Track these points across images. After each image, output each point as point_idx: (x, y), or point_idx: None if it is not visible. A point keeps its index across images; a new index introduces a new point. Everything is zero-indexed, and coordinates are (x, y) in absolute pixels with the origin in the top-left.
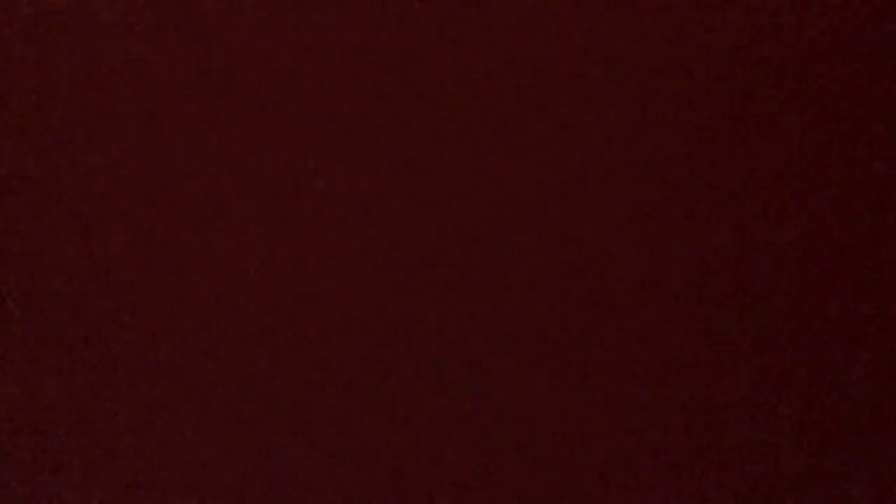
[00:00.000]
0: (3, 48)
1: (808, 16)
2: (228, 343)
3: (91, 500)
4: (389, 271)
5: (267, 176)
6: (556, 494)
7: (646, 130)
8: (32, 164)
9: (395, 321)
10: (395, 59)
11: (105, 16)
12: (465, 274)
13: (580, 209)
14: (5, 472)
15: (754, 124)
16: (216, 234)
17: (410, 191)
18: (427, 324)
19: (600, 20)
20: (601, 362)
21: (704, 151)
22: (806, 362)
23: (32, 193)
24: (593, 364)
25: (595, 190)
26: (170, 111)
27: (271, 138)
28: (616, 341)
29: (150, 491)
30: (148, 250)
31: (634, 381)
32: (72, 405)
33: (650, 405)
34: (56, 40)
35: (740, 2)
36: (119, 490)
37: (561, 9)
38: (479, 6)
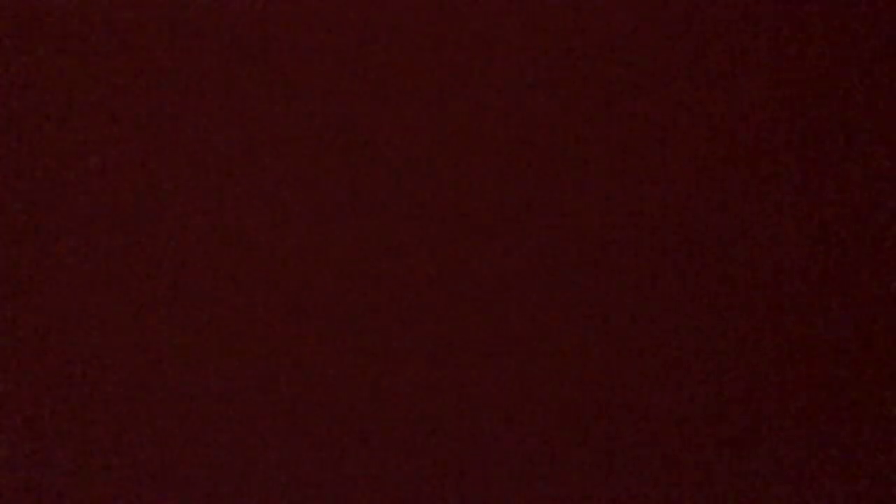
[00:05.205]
0: (3, 48)
1: (807, 17)
2: (227, 343)
3: (88, 500)
4: (388, 271)
5: (266, 175)
6: (555, 493)
7: (645, 129)
8: (32, 164)
9: (394, 321)
10: (395, 57)
11: (105, 15)
12: (465, 274)
13: (580, 208)
14: (4, 472)
15: (756, 123)
16: (214, 233)
17: (409, 190)
18: (426, 323)
19: (599, 20)
20: (601, 362)
21: (704, 151)
22: (805, 361)
23: (32, 193)
24: (593, 364)
25: (594, 189)
26: (168, 111)
27: (271, 138)
28: (616, 341)
29: (148, 491)
30: (147, 250)
31: (634, 380)
32: (69, 405)
33: (649, 404)
34: (56, 39)
35: (741, 2)
36: (117, 490)
37: (559, 8)
38: (479, 5)
